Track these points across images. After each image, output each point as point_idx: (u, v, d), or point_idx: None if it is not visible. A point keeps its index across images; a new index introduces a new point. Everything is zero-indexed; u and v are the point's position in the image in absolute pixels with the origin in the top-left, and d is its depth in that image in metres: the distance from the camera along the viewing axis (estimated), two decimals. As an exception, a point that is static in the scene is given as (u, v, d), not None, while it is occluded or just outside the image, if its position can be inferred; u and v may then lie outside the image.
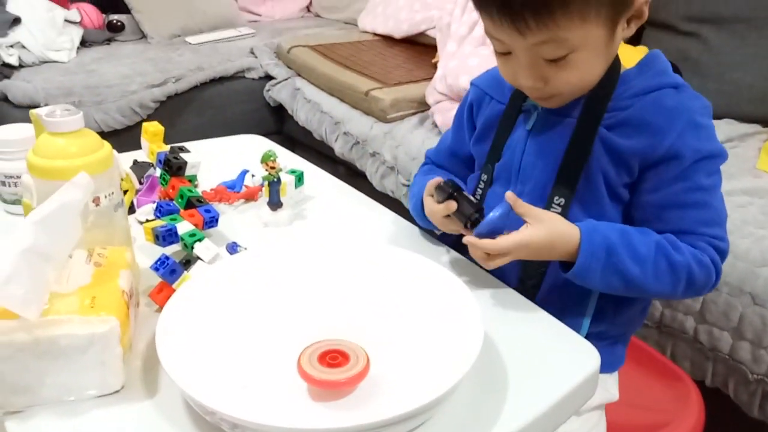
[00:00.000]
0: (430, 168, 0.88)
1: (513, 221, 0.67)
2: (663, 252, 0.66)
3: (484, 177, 0.79)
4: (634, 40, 1.67)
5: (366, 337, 0.61)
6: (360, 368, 0.53)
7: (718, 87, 1.52)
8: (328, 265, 0.69)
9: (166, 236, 0.73)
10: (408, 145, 1.66)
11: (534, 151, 0.74)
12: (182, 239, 0.73)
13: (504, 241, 0.66)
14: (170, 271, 0.66)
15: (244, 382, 0.55)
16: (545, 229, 0.66)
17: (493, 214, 0.67)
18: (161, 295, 0.66)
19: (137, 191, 0.90)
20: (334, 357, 0.54)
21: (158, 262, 0.66)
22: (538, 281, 0.72)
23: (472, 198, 0.71)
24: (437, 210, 0.73)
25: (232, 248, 0.75)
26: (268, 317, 0.63)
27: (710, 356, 1.09)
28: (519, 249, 0.66)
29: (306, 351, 0.55)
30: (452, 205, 0.71)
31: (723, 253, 0.69)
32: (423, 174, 0.86)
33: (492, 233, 0.67)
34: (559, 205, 0.70)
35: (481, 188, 0.78)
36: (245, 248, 0.77)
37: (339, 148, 1.90)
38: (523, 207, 0.67)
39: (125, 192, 0.76)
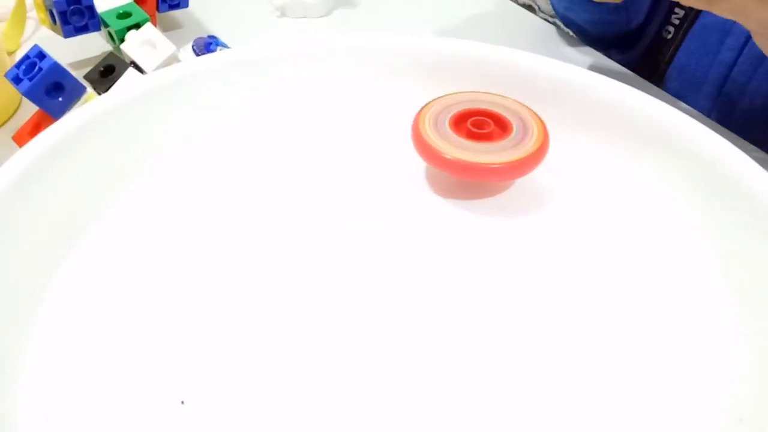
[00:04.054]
0: None
1: None
2: None
3: None
4: None
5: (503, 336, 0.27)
6: (534, 145, 0.29)
7: None
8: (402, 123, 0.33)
9: (73, 16, 0.37)
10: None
11: None
12: (104, 22, 0.38)
13: None
14: (45, 83, 0.31)
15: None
16: None
17: None
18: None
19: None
20: (478, 123, 0.30)
21: (20, 64, 0.31)
22: None
23: None
24: None
25: (207, 47, 0.39)
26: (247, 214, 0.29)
27: None
28: None
29: (427, 109, 0.31)
30: None
31: None
32: None
33: None
34: None
35: None
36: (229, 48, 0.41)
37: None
38: None
39: None
